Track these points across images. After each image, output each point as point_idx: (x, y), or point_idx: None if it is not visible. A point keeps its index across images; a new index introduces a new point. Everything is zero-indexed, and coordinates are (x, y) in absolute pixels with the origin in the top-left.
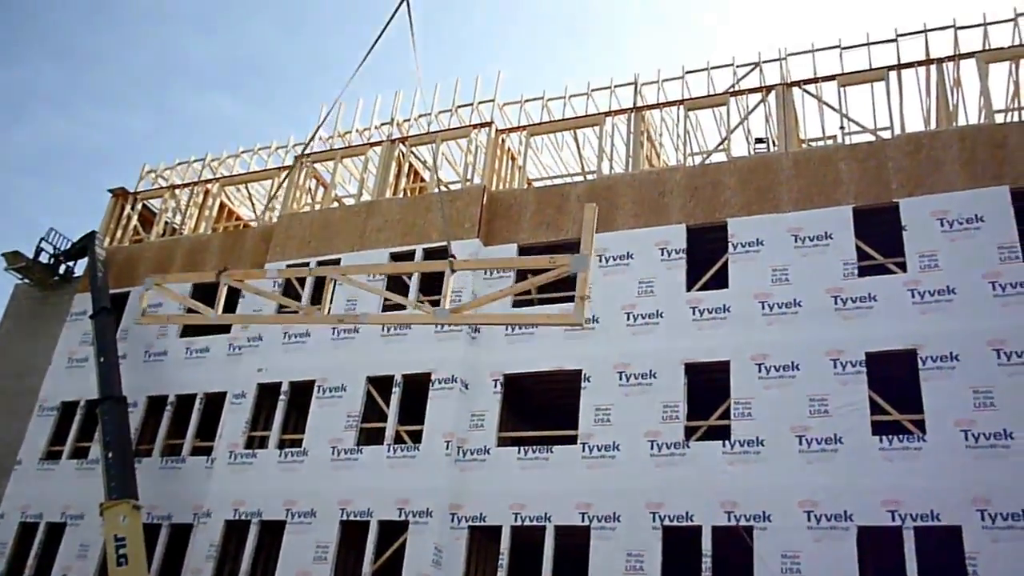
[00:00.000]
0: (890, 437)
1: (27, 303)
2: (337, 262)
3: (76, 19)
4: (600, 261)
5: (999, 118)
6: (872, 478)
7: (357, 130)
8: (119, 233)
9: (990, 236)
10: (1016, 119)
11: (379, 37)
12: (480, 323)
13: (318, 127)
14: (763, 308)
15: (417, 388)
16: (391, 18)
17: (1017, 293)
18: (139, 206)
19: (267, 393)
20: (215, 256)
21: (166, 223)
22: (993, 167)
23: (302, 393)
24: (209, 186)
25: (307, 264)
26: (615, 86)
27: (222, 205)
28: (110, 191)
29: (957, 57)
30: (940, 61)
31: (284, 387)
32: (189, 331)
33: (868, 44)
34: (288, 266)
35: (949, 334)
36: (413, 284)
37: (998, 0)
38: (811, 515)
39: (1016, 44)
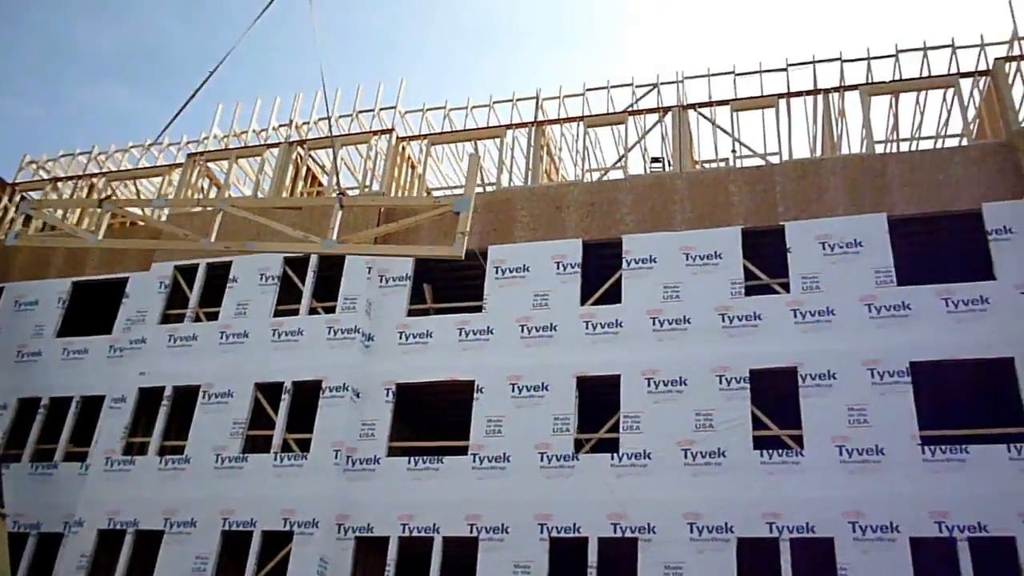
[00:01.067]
0: (771, 452)
1: None
2: (228, 265)
3: None
4: (496, 273)
5: (879, 148)
6: (753, 491)
7: (254, 130)
8: None
9: (868, 261)
10: (895, 150)
11: (267, 7)
12: (365, 254)
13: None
14: (654, 324)
15: (307, 396)
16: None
17: (891, 315)
18: (17, 198)
19: (149, 398)
20: (98, 254)
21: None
22: (873, 195)
23: (186, 399)
24: (94, 180)
25: (196, 267)
26: (517, 100)
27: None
28: None
29: (842, 88)
30: (826, 91)
31: (167, 392)
32: (66, 331)
33: (760, 72)
34: (175, 268)
35: (827, 353)
36: (307, 288)
37: (881, 36)
38: (694, 527)
39: (896, 79)
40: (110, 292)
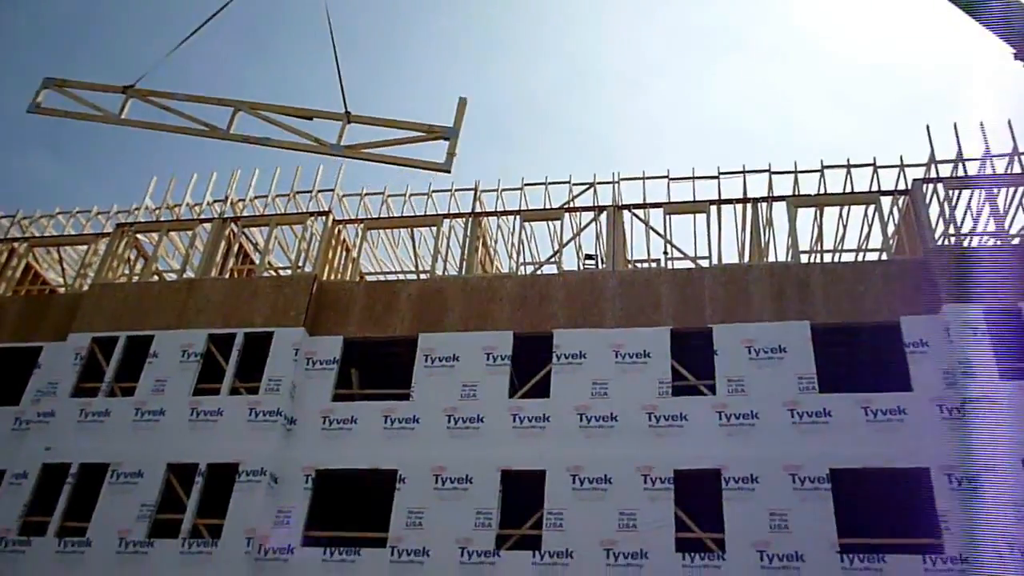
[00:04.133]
0: (692, 555)
1: None
2: (149, 340)
3: None
4: (426, 361)
5: (804, 258)
6: None
7: (188, 204)
8: None
9: (791, 366)
10: (819, 260)
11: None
12: (370, 160)
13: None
14: (581, 420)
15: (223, 479)
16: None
17: (812, 422)
18: None
19: (53, 474)
20: (12, 320)
21: None
22: (797, 303)
23: (94, 478)
24: (16, 245)
25: (116, 339)
26: (455, 190)
27: (28, 267)
28: None
29: (770, 199)
30: (755, 201)
31: (73, 469)
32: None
33: (693, 178)
34: (94, 339)
35: (750, 457)
36: (230, 367)
37: (808, 151)
38: None
39: (821, 193)
40: (22, 361)
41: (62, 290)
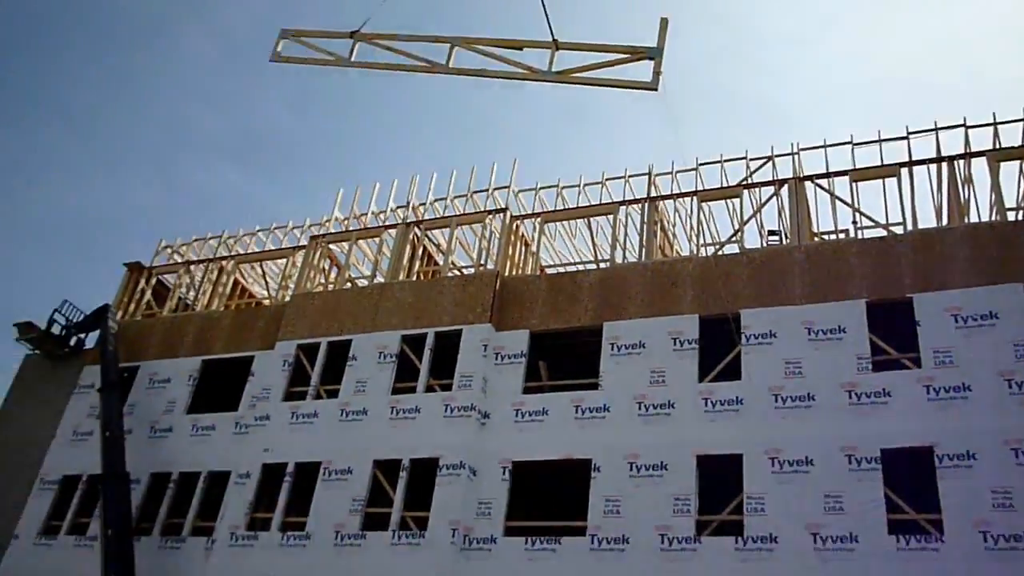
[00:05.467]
0: (907, 536)
1: (36, 374)
2: (348, 343)
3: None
4: (612, 349)
5: (1011, 216)
6: None
7: (373, 212)
8: (132, 307)
9: (1005, 333)
10: None
11: None
12: (581, 83)
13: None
14: (776, 401)
15: (424, 473)
16: None
17: None
18: (153, 281)
19: (272, 474)
20: (226, 333)
21: (179, 298)
22: (1005, 265)
23: (307, 475)
24: (224, 263)
25: (318, 345)
26: (629, 176)
27: (236, 282)
28: (125, 265)
29: (968, 155)
30: (951, 159)
31: (289, 468)
32: (196, 407)
33: (880, 141)
34: (298, 346)
35: (965, 432)
36: (424, 366)
37: (1008, 102)
38: None
39: None
40: (237, 370)
41: (267, 302)
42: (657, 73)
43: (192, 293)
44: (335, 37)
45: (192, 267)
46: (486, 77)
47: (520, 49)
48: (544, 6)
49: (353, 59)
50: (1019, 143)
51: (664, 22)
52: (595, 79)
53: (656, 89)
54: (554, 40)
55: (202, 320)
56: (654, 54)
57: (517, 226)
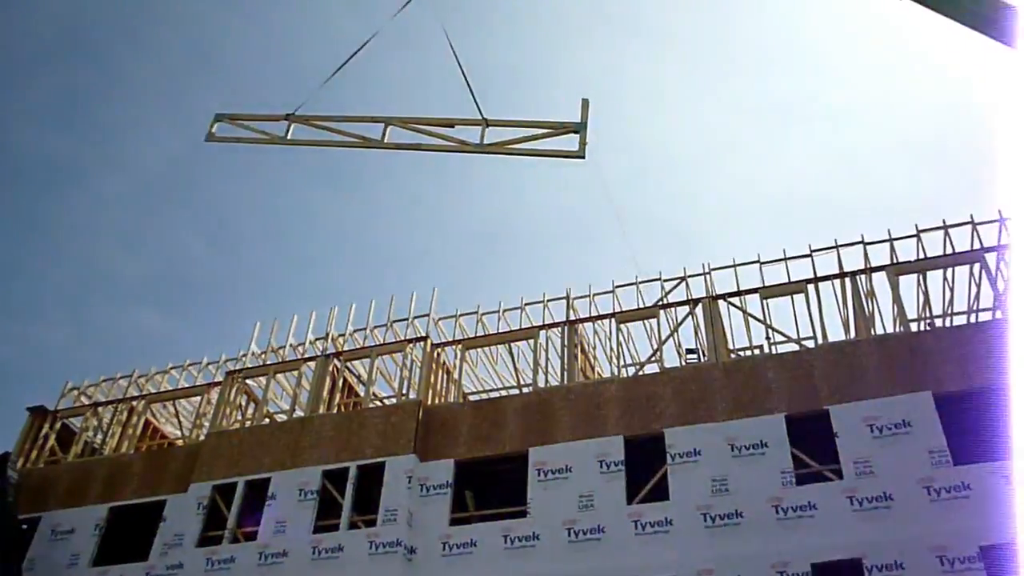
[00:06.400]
0: None
1: None
2: (267, 481)
3: None
4: (539, 475)
5: (913, 326)
6: None
7: (291, 345)
8: (34, 454)
9: (920, 441)
10: (928, 327)
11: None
12: (511, 153)
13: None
14: (705, 520)
15: None
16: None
17: (952, 498)
18: (58, 425)
19: None
20: (136, 477)
21: (86, 442)
22: (914, 373)
23: None
24: (134, 403)
25: (235, 485)
26: (548, 300)
27: (147, 423)
28: (28, 409)
29: (868, 270)
30: (853, 274)
31: None
32: (103, 559)
33: (785, 259)
34: (214, 487)
35: (891, 542)
36: (347, 501)
37: (903, 216)
38: None
39: (920, 258)
40: (148, 516)
41: (180, 442)
42: (583, 143)
43: (100, 436)
44: (270, 120)
45: (100, 409)
46: (421, 150)
47: (452, 127)
48: (472, 91)
49: (289, 137)
50: (915, 257)
51: (585, 102)
52: (525, 150)
53: (583, 157)
54: (484, 118)
55: (110, 464)
56: (579, 128)
57: (438, 354)
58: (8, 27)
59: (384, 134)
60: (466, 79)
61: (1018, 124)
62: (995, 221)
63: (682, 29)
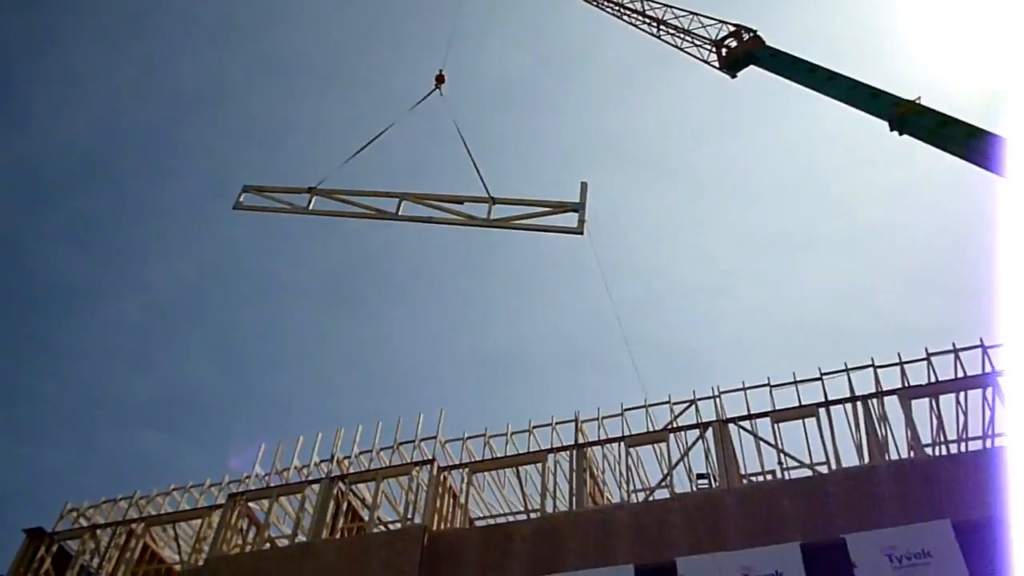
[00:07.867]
0: None
1: None
2: None
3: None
4: None
5: (928, 451)
6: None
7: (295, 467)
8: None
9: (940, 571)
10: (943, 452)
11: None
12: (514, 228)
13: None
14: None
15: None
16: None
17: None
18: (55, 547)
19: None
20: None
21: (82, 566)
22: (931, 500)
23: None
24: (134, 526)
25: None
26: (556, 423)
27: (145, 547)
28: (25, 531)
29: (880, 394)
30: (865, 398)
31: None
32: None
33: (796, 382)
34: None
35: None
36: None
37: (912, 342)
38: None
39: (932, 382)
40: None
41: (178, 567)
42: (582, 221)
43: (96, 560)
44: (294, 192)
45: (98, 531)
46: (433, 223)
47: (461, 203)
48: (480, 174)
49: (311, 208)
50: (926, 380)
51: (584, 185)
52: (528, 225)
53: (581, 233)
54: (490, 196)
55: None
56: (577, 207)
57: (445, 477)
58: (30, 153)
59: (399, 208)
60: (476, 166)
61: (1010, 249)
62: (1000, 346)
63: (688, 161)
